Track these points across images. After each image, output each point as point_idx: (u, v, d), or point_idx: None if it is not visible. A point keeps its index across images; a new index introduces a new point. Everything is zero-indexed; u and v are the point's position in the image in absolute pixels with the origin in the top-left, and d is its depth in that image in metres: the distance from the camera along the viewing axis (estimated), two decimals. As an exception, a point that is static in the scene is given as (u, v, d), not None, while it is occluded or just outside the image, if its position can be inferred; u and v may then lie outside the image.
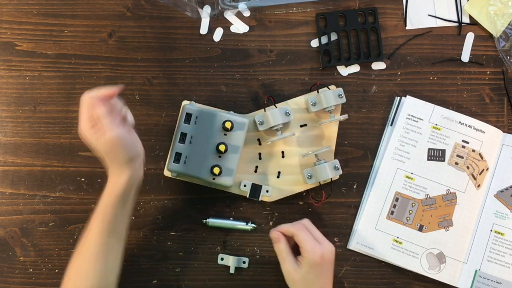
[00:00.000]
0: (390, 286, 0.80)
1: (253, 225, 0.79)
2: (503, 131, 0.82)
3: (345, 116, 0.78)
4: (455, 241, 0.79)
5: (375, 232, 0.80)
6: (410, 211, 0.80)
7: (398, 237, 0.79)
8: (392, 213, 0.80)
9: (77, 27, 0.82)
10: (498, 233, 0.80)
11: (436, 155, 0.81)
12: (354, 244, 0.80)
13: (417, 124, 0.81)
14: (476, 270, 0.79)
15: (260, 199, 0.77)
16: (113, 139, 0.63)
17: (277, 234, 0.73)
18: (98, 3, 0.83)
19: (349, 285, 0.80)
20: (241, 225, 0.79)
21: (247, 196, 0.77)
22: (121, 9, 0.83)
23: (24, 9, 0.82)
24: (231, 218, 0.80)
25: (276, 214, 0.81)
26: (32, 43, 0.82)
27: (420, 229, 0.79)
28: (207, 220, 0.78)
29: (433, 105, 0.82)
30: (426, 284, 0.80)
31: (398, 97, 0.82)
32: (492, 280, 0.79)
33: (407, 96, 0.82)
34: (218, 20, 0.83)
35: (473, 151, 0.81)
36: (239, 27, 0.83)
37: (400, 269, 0.80)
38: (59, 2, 0.82)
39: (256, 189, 0.77)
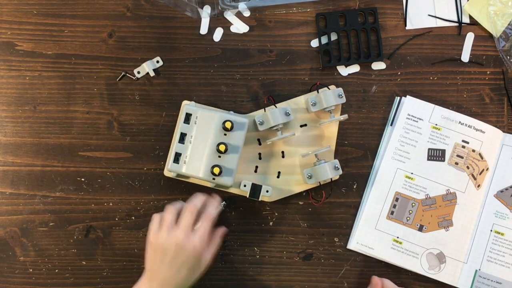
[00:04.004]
0: (390, 286, 0.80)
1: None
2: (503, 131, 0.82)
3: (345, 116, 0.78)
4: (455, 241, 0.79)
5: (375, 232, 0.80)
6: (410, 211, 0.80)
7: (398, 237, 0.79)
8: (392, 213, 0.80)
9: (77, 27, 0.82)
10: (498, 233, 0.80)
11: (436, 155, 0.80)
12: (354, 244, 0.80)
13: (417, 124, 0.81)
14: (476, 270, 0.79)
15: (260, 199, 0.77)
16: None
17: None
18: (98, 3, 0.83)
19: (349, 285, 0.80)
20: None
21: (247, 196, 0.77)
22: (121, 9, 0.83)
23: (24, 9, 0.82)
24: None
25: (276, 214, 0.80)
26: (32, 43, 0.82)
27: (420, 229, 0.79)
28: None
29: (433, 105, 0.81)
30: (426, 284, 0.80)
31: (398, 97, 0.82)
32: (492, 280, 0.79)
33: (407, 96, 0.82)
34: (218, 20, 0.83)
35: (473, 151, 0.81)
36: (239, 27, 0.83)
37: (400, 269, 0.80)
38: (59, 2, 0.82)
39: (256, 189, 0.77)
